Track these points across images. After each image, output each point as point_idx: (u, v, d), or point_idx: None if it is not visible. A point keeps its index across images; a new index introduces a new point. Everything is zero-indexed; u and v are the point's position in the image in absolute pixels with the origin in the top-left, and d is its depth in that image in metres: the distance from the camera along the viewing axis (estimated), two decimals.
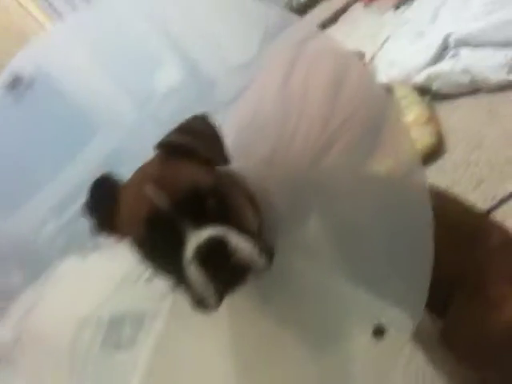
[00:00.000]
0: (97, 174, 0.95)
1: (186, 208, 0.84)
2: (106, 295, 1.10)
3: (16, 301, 1.11)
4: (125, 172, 0.97)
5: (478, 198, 1.99)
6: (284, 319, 1.01)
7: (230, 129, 1.00)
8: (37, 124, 1.13)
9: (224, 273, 0.83)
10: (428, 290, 0.93)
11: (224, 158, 0.93)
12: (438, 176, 2.28)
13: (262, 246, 0.89)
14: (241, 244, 0.84)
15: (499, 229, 1.29)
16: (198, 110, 1.01)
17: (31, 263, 1.13)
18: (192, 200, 0.85)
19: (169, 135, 0.93)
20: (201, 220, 0.84)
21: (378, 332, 0.92)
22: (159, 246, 0.87)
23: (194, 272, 0.83)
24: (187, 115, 0.99)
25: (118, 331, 1.10)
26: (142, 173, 0.92)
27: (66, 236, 1.09)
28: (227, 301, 0.89)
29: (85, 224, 0.96)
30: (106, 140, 1.17)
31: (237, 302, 0.93)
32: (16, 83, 1.06)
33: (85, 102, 1.20)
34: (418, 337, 1.21)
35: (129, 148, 1.18)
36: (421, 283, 0.92)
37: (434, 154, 2.38)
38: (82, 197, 1.10)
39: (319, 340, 1.01)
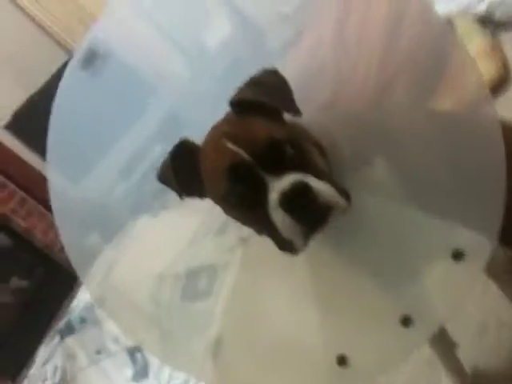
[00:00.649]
0: (165, 136, 1.01)
1: (266, 158, 0.88)
2: (180, 250, 1.16)
3: (96, 261, 1.18)
4: (187, 131, 1.00)
5: None
6: (362, 257, 1.03)
7: (289, 75, 1.02)
8: (109, 95, 1.18)
9: (309, 215, 0.87)
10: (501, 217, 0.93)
11: (295, 110, 0.95)
12: (507, 108, 2.21)
13: (339, 187, 0.92)
14: (322, 187, 0.87)
15: None
16: (251, 62, 1.03)
17: (106, 224, 1.19)
18: (270, 150, 0.88)
19: (240, 91, 0.95)
20: (280, 168, 0.88)
21: (458, 256, 0.94)
22: (243, 197, 0.90)
23: (280, 217, 0.86)
24: (241, 68, 1.01)
25: (194, 284, 1.16)
26: (218, 131, 0.94)
27: (136, 197, 1.13)
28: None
29: (152, 185, 1.01)
30: (164, 101, 1.21)
31: (313, 245, 0.94)
32: (92, 58, 1.14)
33: (146, 68, 1.24)
34: (491, 269, 1.21)
35: (187, 106, 1.21)
36: (494, 208, 0.93)
37: (501, 85, 2.30)
38: (148, 158, 1.18)
39: (400, 271, 1.03)
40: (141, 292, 1.20)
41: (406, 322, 0.96)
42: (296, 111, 0.94)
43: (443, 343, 1.37)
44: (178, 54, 1.25)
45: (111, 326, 1.24)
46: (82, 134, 1.18)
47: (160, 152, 1.11)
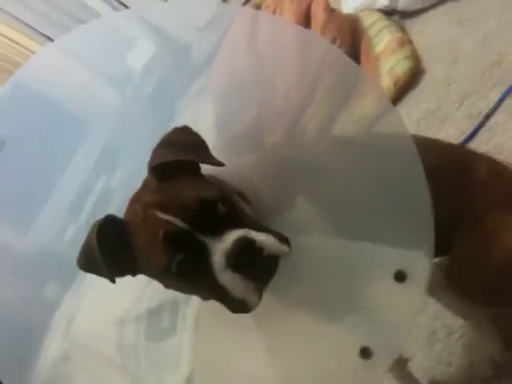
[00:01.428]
0: (105, 167, 0.98)
1: (200, 221, 0.84)
2: (138, 292, 1.11)
3: (56, 314, 1.12)
4: (125, 158, 0.97)
5: (464, 116, 1.95)
6: (306, 297, 1.01)
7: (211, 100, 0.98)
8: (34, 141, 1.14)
9: (258, 269, 0.84)
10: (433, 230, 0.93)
11: (216, 161, 0.92)
12: (422, 99, 2.24)
13: (277, 234, 0.89)
14: (263, 238, 0.84)
15: (483, 159, 1.27)
16: (177, 78, 0.99)
17: (61, 272, 1.11)
18: (202, 212, 0.84)
19: (156, 154, 0.90)
20: (217, 228, 0.84)
21: (400, 278, 0.93)
22: (185, 266, 0.85)
23: (229, 277, 0.83)
24: (169, 86, 0.97)
25: (157, 323, 1.13)
26: (143, 201, 0.89)
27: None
28: None
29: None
30: (100, 132, 1.15)
31: None
32: None
33: (74, 104, 1.19)
34: (430, 288, 1.21)
35: (123, 133, 1.16)
36: (425, 222, 0.93)
37: (414, 77, 2.33)
38: (93, 192, 1.13)
39: (348, 304, 1.00)
40: (105, 341, 1.15)
41: (366, 353, 0.93)
42: (216, 162, 0.91)
43: (395, 361, 1.35)
44: (106, 84, 1.21)
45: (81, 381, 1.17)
46: (17, 187, 1.12)
47: (104, 184, 1.10)
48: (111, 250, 0.88)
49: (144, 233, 0.86)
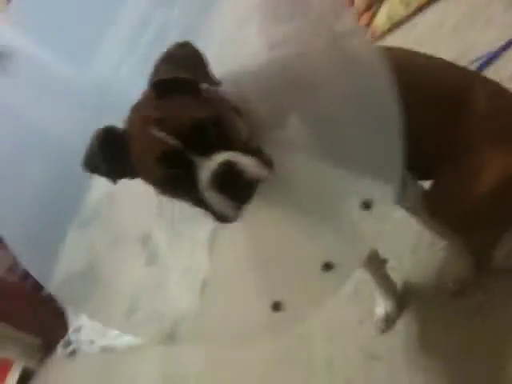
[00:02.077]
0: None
1: (192, 140, 0.92)
2: None
3: None
4: None
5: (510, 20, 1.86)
6: (287, 211, 1.12)
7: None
8: None
9: (237, 190, 0.94)
10: (405, 160, 0.97)
11: (212, 81, 0.97)
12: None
13: (262, 156, 0.98)
14: (246, 162, 0.93)
15: (485, 88, 1.25)
16: None
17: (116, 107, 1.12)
18: (195, 133, 0.93)
19: (157, 69, 0.96)
20: (207, 148, 0.93)
21: (366, 205, 1.02)
22: (176, 180, 0.96)
23: (212, 195, 0.94)
24: None
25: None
26: (142, 115, 0.96)
27: (145, 71, 1.03)
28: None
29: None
30: None
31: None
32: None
33: None
34: (407, 203, 1.27)
35: None
36: (394, 154, 0.97)
37: None
38: (146, 32, 1.18)
39: (320, 222, 1.11)
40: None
41: (328, 267, 1.05)
42: (213, 82, 0.97)
43: (374, 261, 1.47)
44: None
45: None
46: (78, 18, 1.14)
47: (162, 17, 1.15)
48: (111, 154, 0.98)
49: (141, 146, 0.96)
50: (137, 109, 0.99)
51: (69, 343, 3.43)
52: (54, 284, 1.27)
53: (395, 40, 2.36)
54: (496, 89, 1.27)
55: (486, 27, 1.92)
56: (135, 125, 0.98)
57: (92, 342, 3.18)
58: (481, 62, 1.75)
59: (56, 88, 1.18)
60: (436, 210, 1.23)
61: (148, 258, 1.37)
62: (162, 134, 0.92)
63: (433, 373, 1.32)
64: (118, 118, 1.04)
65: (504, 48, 1.74)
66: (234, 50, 1.13)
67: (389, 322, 1.49)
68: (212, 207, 0.97)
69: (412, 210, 1.30)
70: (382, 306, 1.50)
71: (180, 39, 1.04)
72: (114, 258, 1.35)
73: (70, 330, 3.47)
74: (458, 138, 1.20)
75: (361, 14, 2.53)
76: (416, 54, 1.28)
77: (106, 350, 3.02)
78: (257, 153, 0.98)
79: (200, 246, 1.26)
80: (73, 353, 3.37)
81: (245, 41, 1.13)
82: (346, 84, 1.04)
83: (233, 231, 1.16)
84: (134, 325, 1.37)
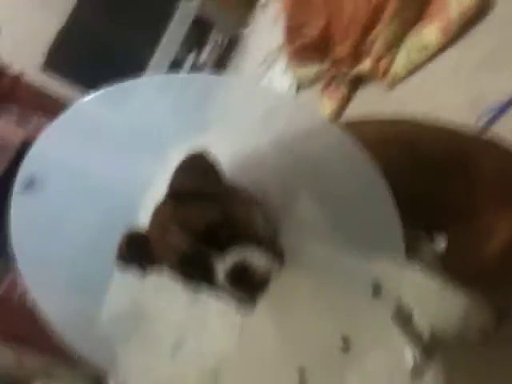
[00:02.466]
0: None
1: (208, 240, 1.04)
2: None
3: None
4: None
5: None
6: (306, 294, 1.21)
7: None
8: None
9: (250, 286, 1.05)
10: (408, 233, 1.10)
11: (225, 191, 1.09)
12: (483, 37, 2.17)
13: (274, 249, 1.09)
14: (257, 260, 1.04)
15: (487, 148, 1.31)
16: None
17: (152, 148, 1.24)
18: (209, 236, 1.04)
19: (173, 181, 1.08)
20: (222, 247, 1.04)
21: (376, 290, 1.11)
22: (195, 275, 1.09)
23: (227, 290, 1.06)
24: None
25: None
26: (161, 221, 1.10)
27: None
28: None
29: None
30: None
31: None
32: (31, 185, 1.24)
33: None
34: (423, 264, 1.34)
35: None
36: (394, 232, 1.09)
37: (479, 11, 2.24)
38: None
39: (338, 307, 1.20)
40: None
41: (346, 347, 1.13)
42: (225, 192, 1.09)
43: (400, 318, 1.53)
44: None
45: None
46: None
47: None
48: (137, 255, 1.13)
49: (161, 246, 1.09)
50: (157, 213, 1.11)
51: None
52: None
53: (412, 87, 2.42)
54: (502, 152, 1.33)
55: (500, 73, 1.97)
56: (156, 229, 1.11)
57: None
58: (493, 112, 1.80)
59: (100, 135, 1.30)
60: (451, 272, 1.29)
61: (189, 299, 1.46)
62: (182, 235, 1.05)
63: None
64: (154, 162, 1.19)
65: None
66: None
67: (418, 372, 1.54)
68: (228, 297, 1.09)
69: (428, 270, 1.36)
70: (410, 358, 1.56)
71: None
72: (158, 298, 1.45)
73: None
74: (466, 202, 1.26)
75: (378, 61, 2.62)
76: (422, 127, 1.35)
77: None
78: (270, 244, 1.08)
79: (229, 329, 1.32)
80: None
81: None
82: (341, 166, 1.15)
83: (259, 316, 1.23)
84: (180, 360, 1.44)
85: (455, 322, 1.53)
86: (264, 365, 1.26)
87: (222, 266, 1.04)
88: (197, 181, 1.07)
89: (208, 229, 1.05)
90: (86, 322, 1.33)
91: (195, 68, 4.72)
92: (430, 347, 1.56)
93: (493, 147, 1.34)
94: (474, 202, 1.26)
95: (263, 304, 1.16)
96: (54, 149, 1.28)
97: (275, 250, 1.08)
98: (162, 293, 1.45)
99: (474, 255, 1.24)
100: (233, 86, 1.26)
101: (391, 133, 1.31)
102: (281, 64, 3.67)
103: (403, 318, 1.54)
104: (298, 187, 1.15)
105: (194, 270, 1.07)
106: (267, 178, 1.16)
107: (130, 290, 1.42)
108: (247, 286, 1.05)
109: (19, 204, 1.25)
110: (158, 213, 1.11)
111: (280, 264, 1.07)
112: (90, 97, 1.21)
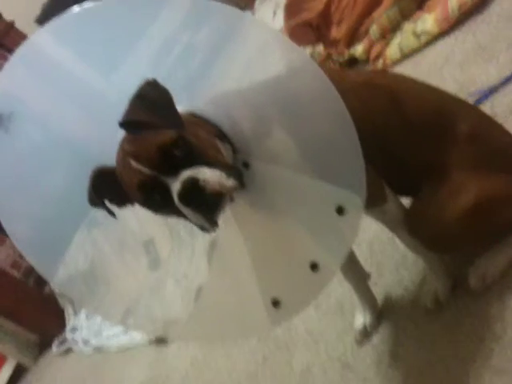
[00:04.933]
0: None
1: (163, 165, 1.04)
2: None
3: None
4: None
5: (508, 60, 1.93)
6: (273, 214, 1.23)
7: None
8: None
9: (204, 203, 1.04)
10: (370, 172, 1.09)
11: (177, 125, 1.07)
12: (477, 29, 2.20)
13: (231, 169, 1.08)
14: (208, 176, 1.03)
15: (469, 114, 1.32)
16: None
17: None
18: (163, 158, 1.04)
19: (128, 112, 1.07)
20: (176, 169, 1.04)
21: (340, 211, 1.11)
22: (157, 203, 1.09)
23: (184, 210, 1.05)
24: None
25: None
26: (123, 151, 1.10)
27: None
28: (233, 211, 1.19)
29: (181, 72, 1.16)
30: None
31: (239, 211, 1.20)
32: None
33: None
34: (387, 219, 1.34)
35: None
36: (356, 163, 1.08)
37: (477, 5, 2.27)
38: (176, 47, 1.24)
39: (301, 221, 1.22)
40: None
41: (314, 267, 1.16)
42: (177, 126, 1.07)
43: (356, 274, 1.53)
44: None
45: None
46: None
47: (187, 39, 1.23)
48: (107, 189, 1.13)
49: (125, 178, 1.09)
50: (121, 144, 1.11)
51: (64, 341, 3.48)
52: (59, 280, 1.37)
53: (405, 70, 2.42)
54: (480, 118, 1.34)
55: (488, 63, 1.99)
56: (118, 161, 1.11)
57: (86, 341, 3.23)
58: (480, 94, 1.81)
59: (85, 99, 1.26)
60: (413, 229, 1.29)
61: (150, 263, 1.45)
62: (137, 166, 1.05)
63: None
64: None
65: (503, 83, 1.81)
66: (256, 75, 1.20)
67: (366, 334, 1.54)
68: (190, 220, 1.08)
69: (391, 226, 1.36)
70: (361, 319, 1.55)
71: (202, 62, 1.17)
72: (117, 262, 1.44)
73: (67, 329, 3.53)
74: (438, 161, 1.26)
75: (372, 45, 2.62)
76: (411, 82, 1.37)
77: (98, 350, 3.07)
78: (225, 166, 1.08)
79: (199, 255, 1.33)
80: (67, 351, 3.43)
81: (267, 66, 1.20)
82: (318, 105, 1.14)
83: (229, 238, 1.27)
84: (128, 325, 1.44)
85: (411, 290, 1.54)
86: (238, 293, 1.30)
87: (175, 186, 1.03)
88: (151, 109, 1.06)
89: (161, 151, 1.05)
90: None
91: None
92: (382, 312, 1.55)
93: (472, 111, 1.34)
94: (446, 163, 1.26)
95: (231, 229, 1.20)
96: (20, 88, 1.25)
97: (231, 170, 1.08)
98: (123, 254, 1.44)
99: (437, 214, 1.24)
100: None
101: (381, 81, 1.32)
102: None
103: (360, 279, 1.54)
104: (272, 120, 1.15)
105: (154, 196, 1.07)
106: (241, 112, 1.17)
107: (91, 249, 1.41)
108: (199, 202, 1.04)
109: None
110: (121, 145, 1.11)
111: (236, 182, 1.07)
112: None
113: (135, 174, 1.06)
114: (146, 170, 1.05)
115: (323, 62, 2.97)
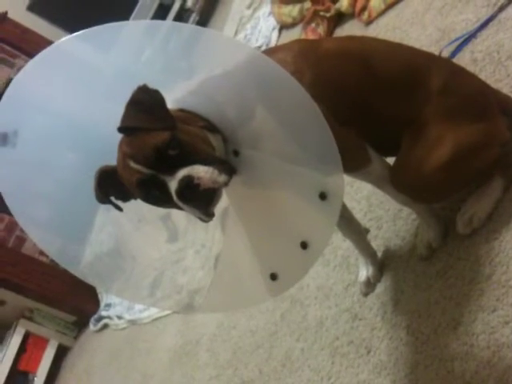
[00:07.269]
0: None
1: (159, 165, 1.14)
2: None
3: None
4: None
5: (484, 2, 1.96)
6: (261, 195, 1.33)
7: None
8: None
9: (200, 198, 1.15)
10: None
11: (168, 127, 1.16)
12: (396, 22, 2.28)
13: (223, 164, 1.18)
14: (202, 174, 1.13)
15: (442, 67, 1.38)
16: None
17: None
18: (158, 158, 1.14)
19: (123, 118, 1.16)
20: (173, 167, 1.14)
21: (322, 197, 1.20)
22: (156, 200, 1.20)
23: (182, 205, 1.16)
24: None
25: None
26: (122, 152, 1.19)
27: (163, 59, 1.25)
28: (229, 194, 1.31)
29: (175, 42, 1.21)
30: None
31: (234, 193, 1.31)
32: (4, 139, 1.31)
33: None
34: (374, 179, 1.43)
35: None
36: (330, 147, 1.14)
37: None
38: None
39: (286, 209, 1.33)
40: None
41: (304, 245, 1.24)
42: (170, 126, 1.16)
43: (354, 231, 1.62)
44: None
45: None
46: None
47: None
48: (112, 189, 1.24)
49: (125, 178, 1.19)
50: (120, 145, 1.21)
51: (100, 319, 3.67)
52: (83, 267, 1.47)
53: (389, 20, 2.46)
54: (454, 69, 1.41)
55: (466, 7, 2.02)
56: (118, 161, 1.21)
57: (120, 317, 3.41)
58: (457, 42, 1.86)
59: (84, 77, 1.33)
60: (398, 184, 1.37)
61: (169, 236, 1.56)
62: (135, 166, 1.15)
63: (402, 329, 1.48)
64: None
65: (478, 29, 1.85)
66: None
67: (370, 285, 1.65)
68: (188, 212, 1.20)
69: (379, 185, 1.45)
70: (364, 272, 1.66)
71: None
72: (139, 237, 1.55)
73: (101, 307, 3.71)
74: (415, 116, 1.34)
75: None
76: (378, 42, 1.43)
77: (132, 322, 3.25)
78: (218, 161, 1.18)
79: (213, 224, 1.39)
80: (103, 327, 3.62)
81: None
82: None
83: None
84: (157, 299, 1.56)
85: (408, 240, 1.63)
86: (240, 266, 1.42)
87: (173, 185, 1.14)
88: (142, 114, 1.15)
89: (156, 152, 1.14)
90: (70, 263, 1.43)
91: (182, 11, 4.70)
92: (383, 263, 1.66)
93: (442, 64, 1.40)
94: (422, 117, 1.33)
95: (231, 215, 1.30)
96: (33, 90, 1.32)
97: (222, 165, 1.18)
98: (144, 229, 1.55)
99: (419, 168, 1.32)
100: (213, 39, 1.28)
101: (352, 46, 1.39)
102: (266, 6, 3.70)
103: (359, 235, 1.64)
104: (254, 103, 1.22)
105: (153, 192, 1.17)
106: (225, 96, 1.25)
107: (113, 228, 1.52)
108: (195, 197, 1.14)
109: None
110: (119, 149, 1.21)
111: (227, 176, 1.16)
112: (73, 35, 1.22)
113: (134, 174, 1.16)
114: (143, 170, 1.15)
115: (311, 19, 3.01)
